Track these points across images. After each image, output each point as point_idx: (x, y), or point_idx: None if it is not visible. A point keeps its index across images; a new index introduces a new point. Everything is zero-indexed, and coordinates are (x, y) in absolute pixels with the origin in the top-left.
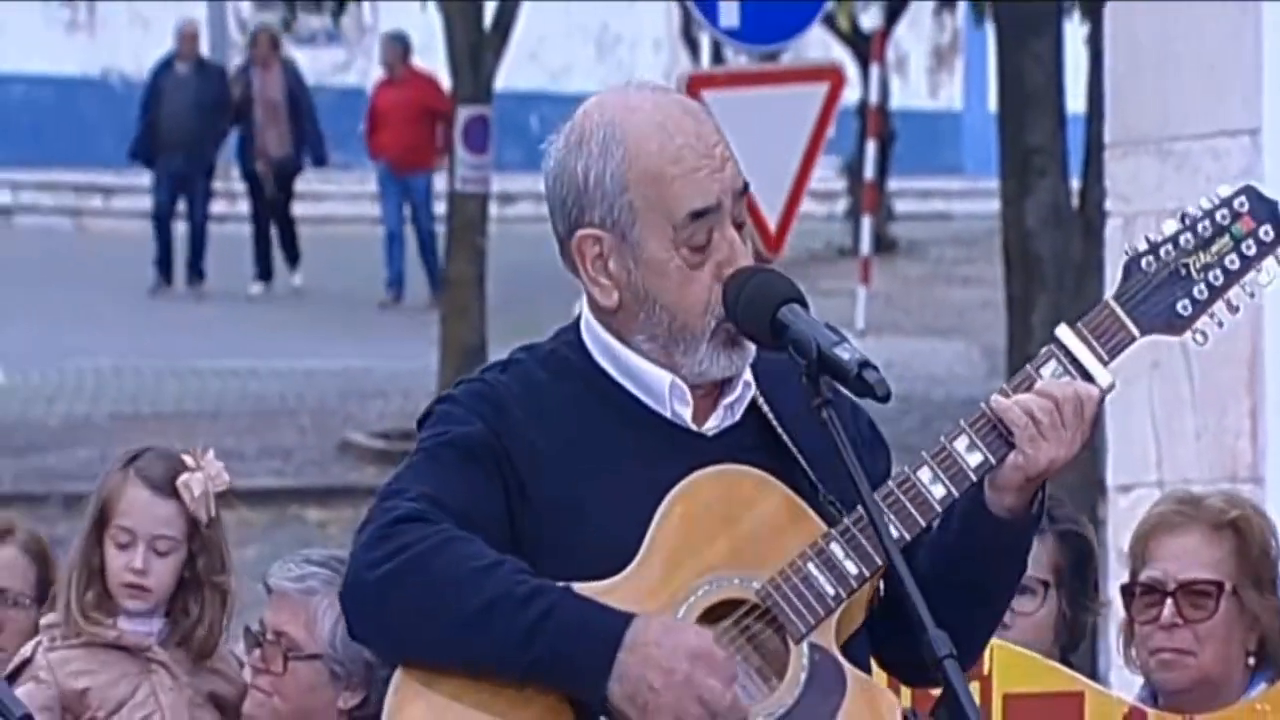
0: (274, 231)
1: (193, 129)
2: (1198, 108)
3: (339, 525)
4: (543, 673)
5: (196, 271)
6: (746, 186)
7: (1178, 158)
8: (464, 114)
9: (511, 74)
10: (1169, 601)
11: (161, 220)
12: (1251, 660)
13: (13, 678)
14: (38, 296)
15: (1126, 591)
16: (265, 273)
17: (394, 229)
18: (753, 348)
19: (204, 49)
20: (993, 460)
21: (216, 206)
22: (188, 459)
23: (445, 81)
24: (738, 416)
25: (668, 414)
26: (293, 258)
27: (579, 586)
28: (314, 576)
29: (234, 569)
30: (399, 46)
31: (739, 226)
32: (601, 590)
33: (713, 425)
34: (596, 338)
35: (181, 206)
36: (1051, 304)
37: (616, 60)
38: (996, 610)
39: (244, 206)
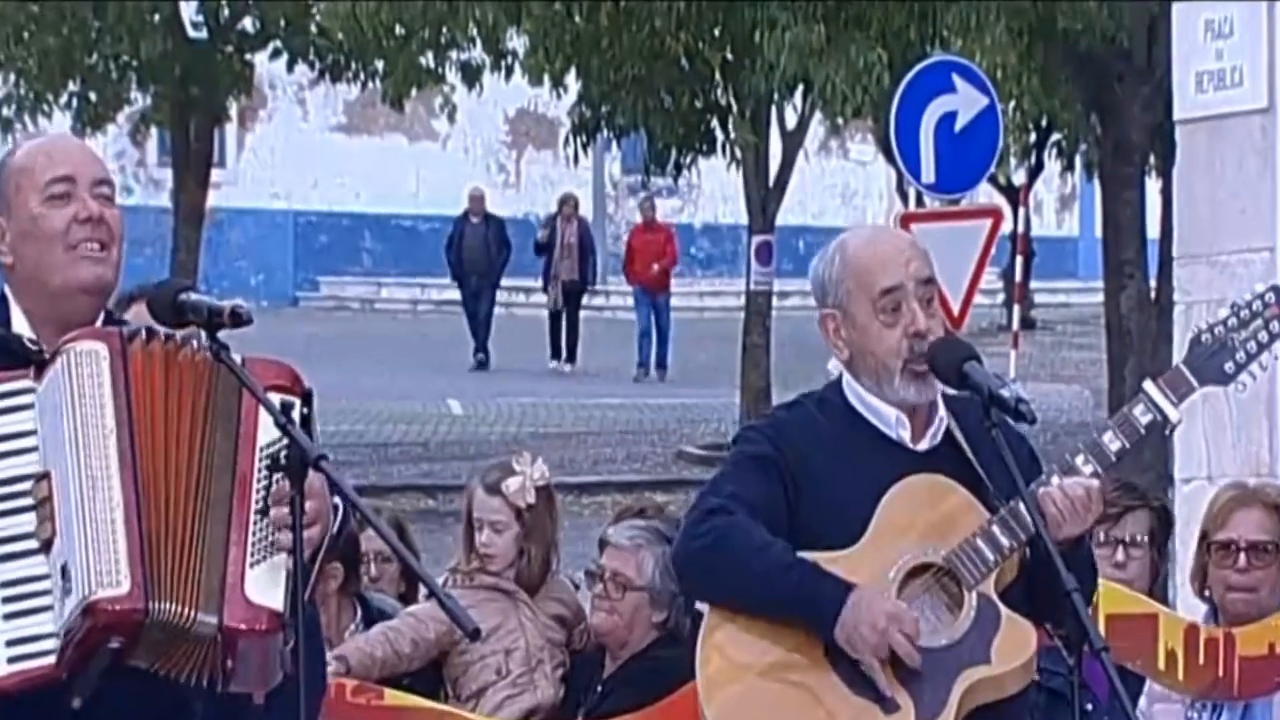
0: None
1: (482, 260)
2: (1233, 234)
3: (676, 506)
4: (796, 616)
5: (484, 352)
6: (931, 279)
7: (1220, 266)
8: (756, 240)
9: (786, 214)
10: (1243, 555)
11: (471, 319)
12: None
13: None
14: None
15: (1206, 547)
16: (556, 354)
17: (644, 328)
18: (937, 384)
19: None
20: (1043, 519)
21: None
22: (516, 465)
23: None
24: (938, 439)
25: (894, 436)
26: (571, 357)
27: (827, 555)
28: (640, 536)
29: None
30: (650, 205)
31: (927, 302)
32: (843, 557)
33: (923, 445)
34: (849, 387)
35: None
36: (1137, 362)
37: (854, 206)
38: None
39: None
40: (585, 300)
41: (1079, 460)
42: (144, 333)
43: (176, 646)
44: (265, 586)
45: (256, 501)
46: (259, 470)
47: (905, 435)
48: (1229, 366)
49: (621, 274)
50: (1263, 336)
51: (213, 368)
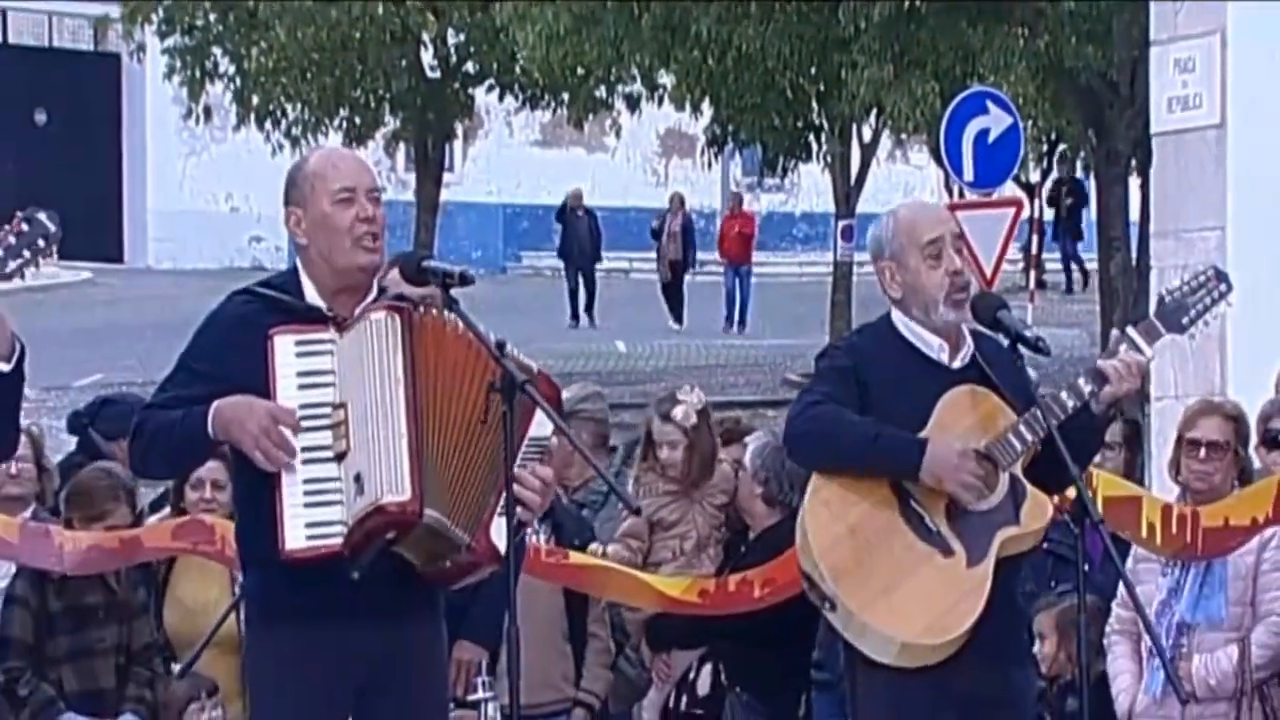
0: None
1: (585, 246)
2: (1194, 216)
3: (783, 418)
4: (884, 467)
5: (590, 314)
6: (960, 235)
7: (1185, 241)
8: (840, 224)
9: (863, 204)
10: (1204, 449)
11: (573, 291)
12: (1236, 483)
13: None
14: (640, 313)
15: (1179, 443)
16: (677, 318)
17: (730, 290)
18: (967, 311)
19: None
20: (1096, 389)
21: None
22: (680, 395)
23: (828, 201)
24: (967, 360)
25: (934, 356)
26: (679, 319)
27: None
28: (756, 440)
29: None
30: (737, 196)
31: (958, 252)
32: None
33: (957, 364)
34: (898, 320)
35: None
36: (1123, 312)
37: (914, 197)
38: (1088, 457)
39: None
40: (699, 269)
41: (1082, 381)
42: (424, 307)
43: (432, 548)
44: (500, 533)
45: (513, 477)
46: (524, 452)
47: (944, 356)
48: (1185, 320)
49: None
50: (1207, 301)
51: (483, 353)
